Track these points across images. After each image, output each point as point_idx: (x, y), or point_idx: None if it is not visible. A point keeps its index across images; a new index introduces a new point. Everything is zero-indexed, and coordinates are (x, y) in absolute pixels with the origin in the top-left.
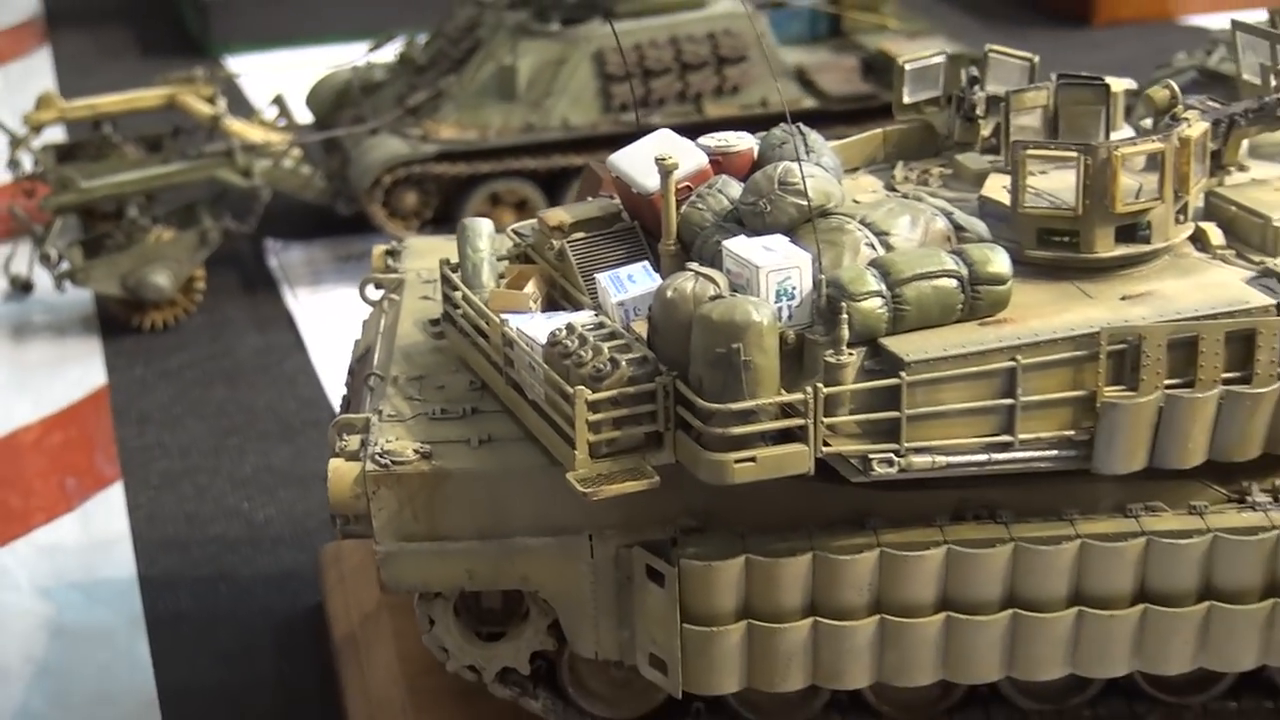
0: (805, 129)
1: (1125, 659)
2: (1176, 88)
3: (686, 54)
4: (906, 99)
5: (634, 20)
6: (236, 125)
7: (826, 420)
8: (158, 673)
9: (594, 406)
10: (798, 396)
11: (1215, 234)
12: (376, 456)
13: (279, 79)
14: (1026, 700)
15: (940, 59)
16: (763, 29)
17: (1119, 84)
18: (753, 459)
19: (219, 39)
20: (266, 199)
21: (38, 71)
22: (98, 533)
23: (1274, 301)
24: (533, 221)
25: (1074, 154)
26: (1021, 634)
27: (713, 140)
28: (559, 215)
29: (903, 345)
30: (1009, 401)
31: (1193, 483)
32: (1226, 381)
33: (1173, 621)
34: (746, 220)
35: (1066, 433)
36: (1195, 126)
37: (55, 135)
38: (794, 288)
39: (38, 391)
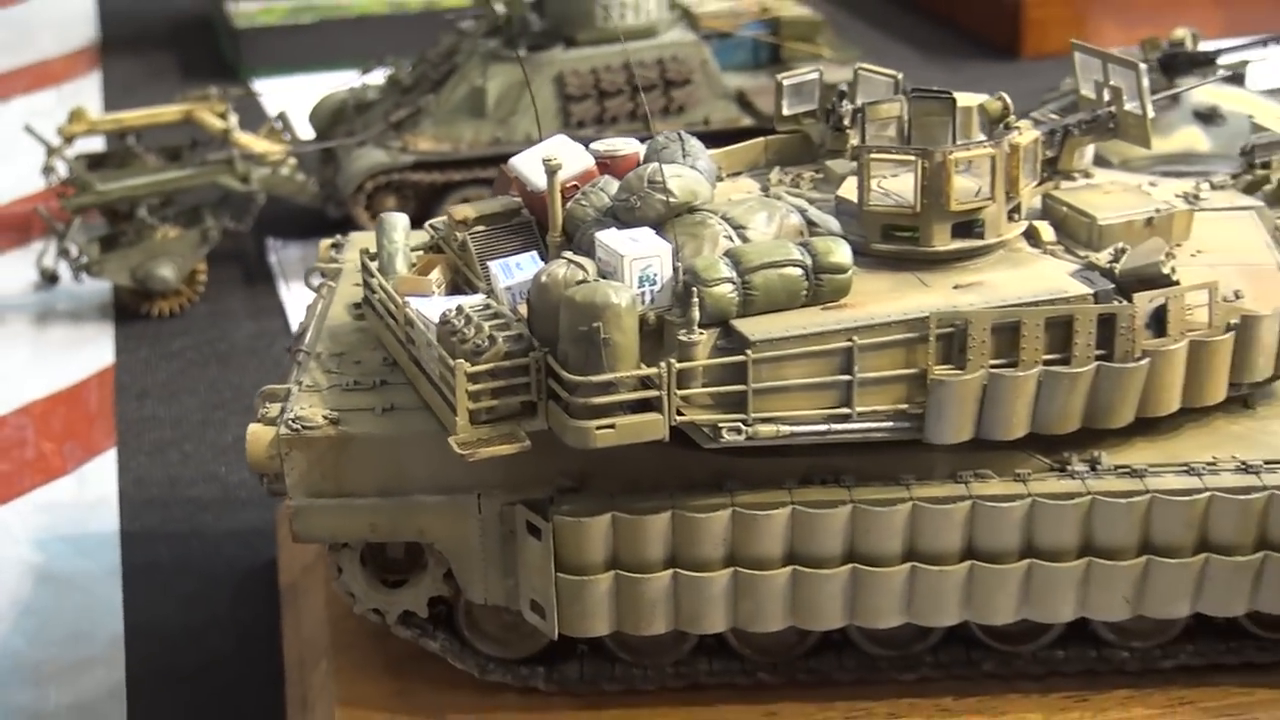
0: (685, 136)
1: (956, 610)
2: (1008, 100)
3: (637, 77)
4: (785, 111)
5: (592, 47)
6: (244, 138)
7: (681, 393)
8: (127, 614)
9: (473, 378)
10: (652, 371)
11: (1047, 231)
12: (289, 422)
13: (297, 98)
14: (873, 646)
15: (814, 75)
16: (706, 56)
17: (971, 99)
18: (612, 426)
19: (249, 64)
20: (262, 202)
21: (87, 91)
22: (90, 493)
23: (1091, 291)
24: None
25: (912, 158)
26: (861, 586)
27: (602, 145)
28: (464, 210)
29: (750, 326)
30: (847, 378)
31: (1019, 453)
32: (1048, 363)
33: (998, 577)
34: (620, 215)
35: (901, 406)
36: (1025, 135)
37: (93, 146)
38: (655, 275)
39: (53, 370)
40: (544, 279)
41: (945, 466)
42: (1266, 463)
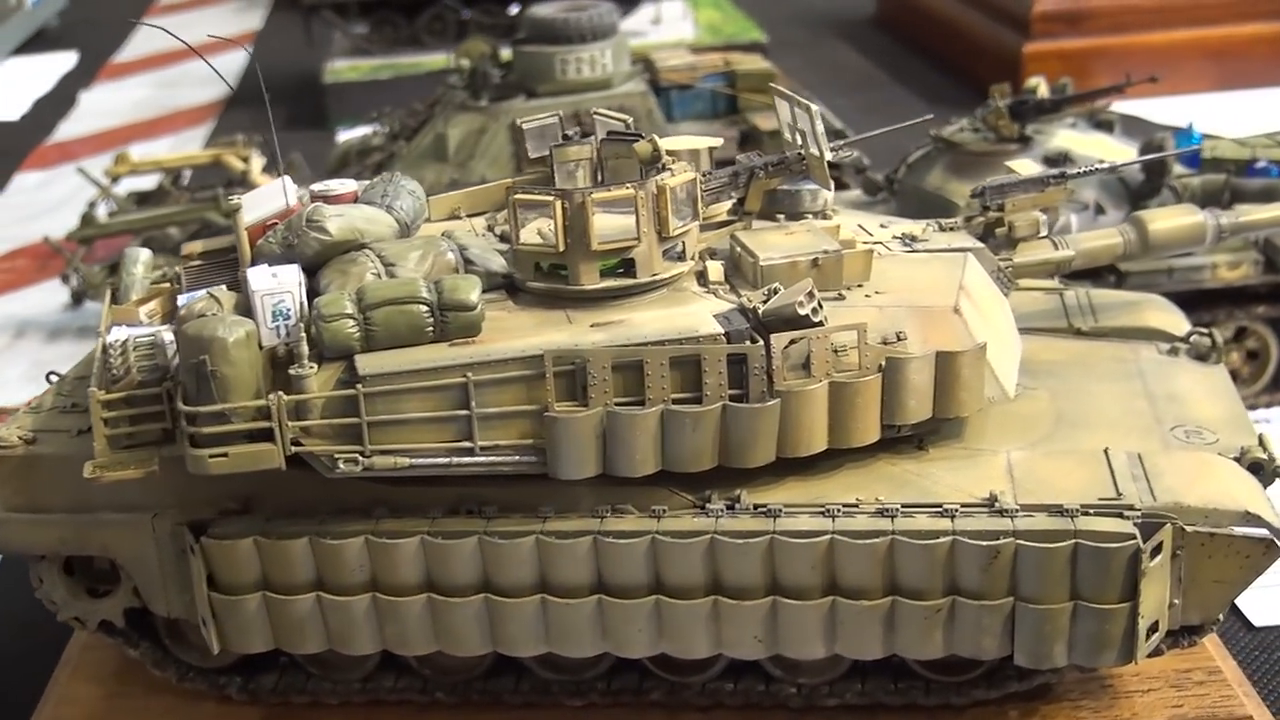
0: (401, 177)
1: (591, 641)
2: (659, 143)
3: (587, 126)
4: (531, 154)
5: (551, 98)
6: (261, 178)
7: (301, 423)
8: None
9: (107, 405)
10: (262, 403)
11: (716, 271)
12: None
13: None
14: (546, 671)
15: (553, 120)
16: (652, 106)
17: (697, 141)
18: (225, 454)
19: (335, 114)
20: None
21: (193, 139)
22: None
23: (722, 331)
24: None
25: (552, 198)
26: (496, 615)
27: (319, 185)
28: (194, 246)
29: (366, 361)
30: (465, 412)
31: (662, 489)
32: (682, 401)
33: (626, 611)
34: (285, 252)
35: (526, 441)
36: (678, 176)
37: (147, 184)
38: (288, 309)
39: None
40: (183, 312)
41: (590, 500)
42: (904, 506)
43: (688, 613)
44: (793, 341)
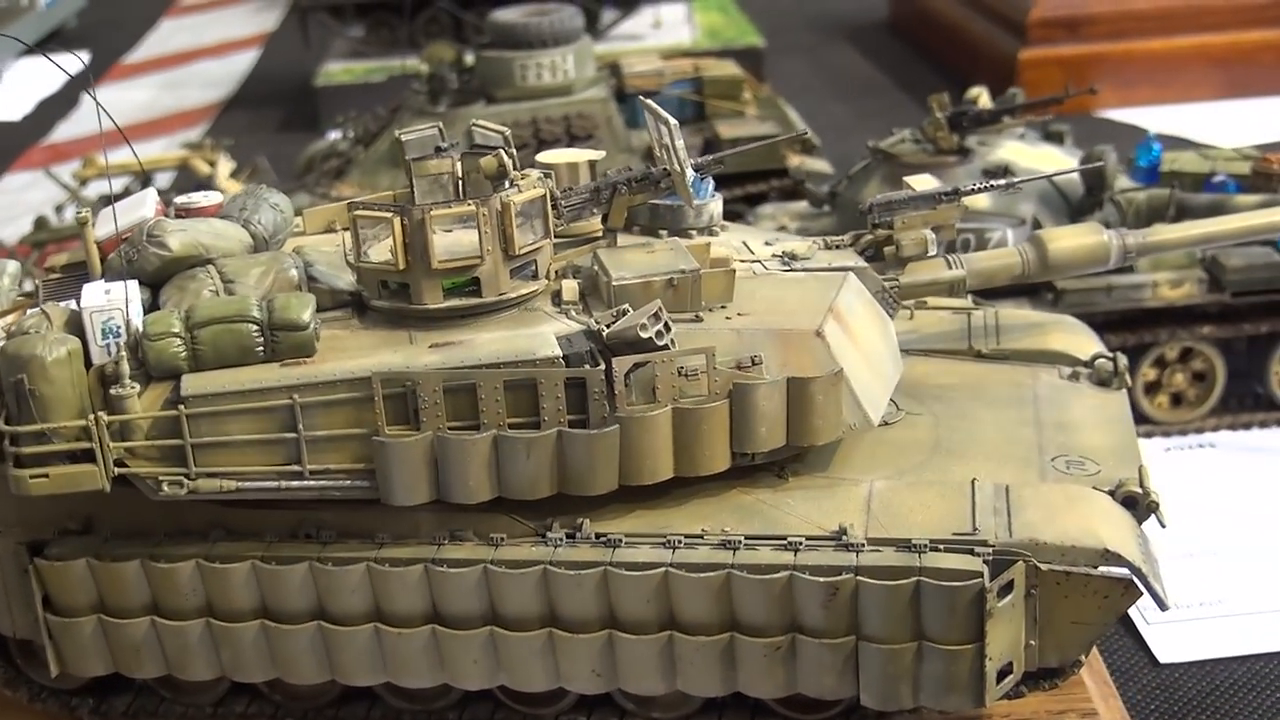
0: (267, 190)
1: (429, 671)
2: (506, 159)
3: (544, 131)
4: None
5: (511, 104)
6: (225, 182)
7: (125, 444)
8: None
9: None
10: (81, 423)
11: (570, 290)
12: None
13: None
14: (398, 700)
15: (432, 131)
16: (612, 112)
17: (577, 155)
18: (46, 475)
19: (326, 117)
20: None
21: (186, 140)
22: None
23: (560, 354)
24: None
25: (390, 214)
26: (330, 642)
27: (183, 198)
28: (58, 258)
29: (190, 381)
30: (293, 435)
31: (504, 516)
32: (520, 425)
33: (461, 642)
34: (129, 266)
35: (356, 465)
36: (524, 193)
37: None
38: (118, 327)
39: None
40: (12, 329)
41: (430, 526)
42: (747, 538)
43: (522, 645)
44: (637, 365)
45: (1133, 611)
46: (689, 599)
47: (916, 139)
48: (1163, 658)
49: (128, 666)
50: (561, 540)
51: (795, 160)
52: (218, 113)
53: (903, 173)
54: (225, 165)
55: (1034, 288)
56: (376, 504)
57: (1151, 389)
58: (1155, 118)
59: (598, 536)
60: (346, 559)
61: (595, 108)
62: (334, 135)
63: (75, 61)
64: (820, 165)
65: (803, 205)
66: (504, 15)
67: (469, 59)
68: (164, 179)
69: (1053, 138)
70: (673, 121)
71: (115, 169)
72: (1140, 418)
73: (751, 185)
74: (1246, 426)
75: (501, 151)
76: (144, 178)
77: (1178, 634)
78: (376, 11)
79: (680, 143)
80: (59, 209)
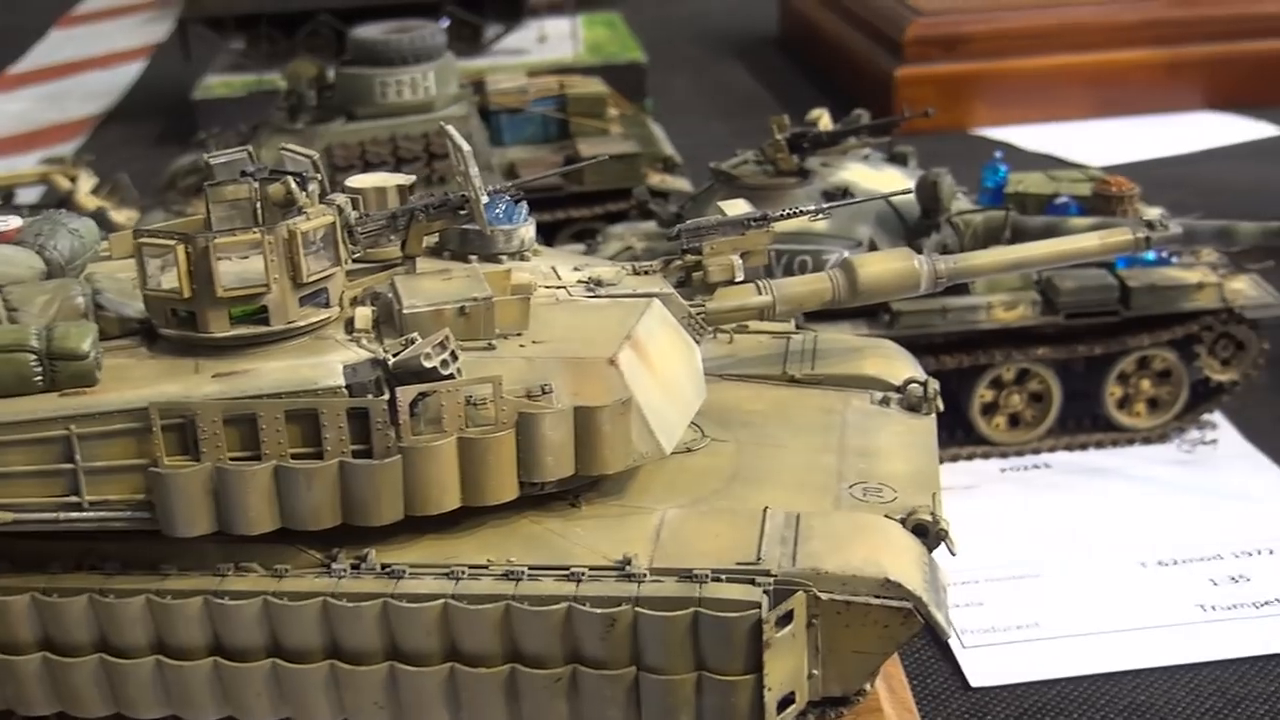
0: (67, 214)
1: (213, 705)
2: (294, 185)
3: (402, 149)
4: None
5: (371, 121)
6: (86, 198)
7: None
8: None
9: None
10: None
11: (363, 318)
12: None
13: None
14: None
15: (242, 154)
16: (471, 130)
17: (382, 179)
18: None
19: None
20: None
21: (61, 153)
22: None
23: (343, 384)
24: None
25: (174, 243)
26: (114, 675)
27: None
28: None
29: None
30: (70, 466)
31: (290, 547)
32: (303, 456)
33: (242, 675)
34: None
35: (138, 496)
36: (313, 220)
37: None
38: None
39: None
40: None
41: (217, 557)
42: (531, 569)
43: (304, 677)
44: (423, 395)
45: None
46: (469, 631)
47: (759, 160)
48: (975, 681)
49: None
50: (346, 571)
51: (656, 178)
52: (95, 126)
53: (743, 194)
54: (86, 181)
55: (871, 310)
56: (162, 535)
57: (989, 410)
58: (1030, 136)
59: (383, 567)
60: (128, 590)
61: (455, 125)
62: (189, 158)
63: None
64: (681, 184)
65: (653, 225)
66: (365, 32)
67: (331, 75)
68: (31, 194)
69: (897, 159)
70: (466, 148)
71: None
72: (978, 439)
73: (612, 204)
74: (1083, 447)
75: (289, 178)
76: (6, 194)
77: (992, 657)
78: (257, 25)
79: (474, 170)
80: None
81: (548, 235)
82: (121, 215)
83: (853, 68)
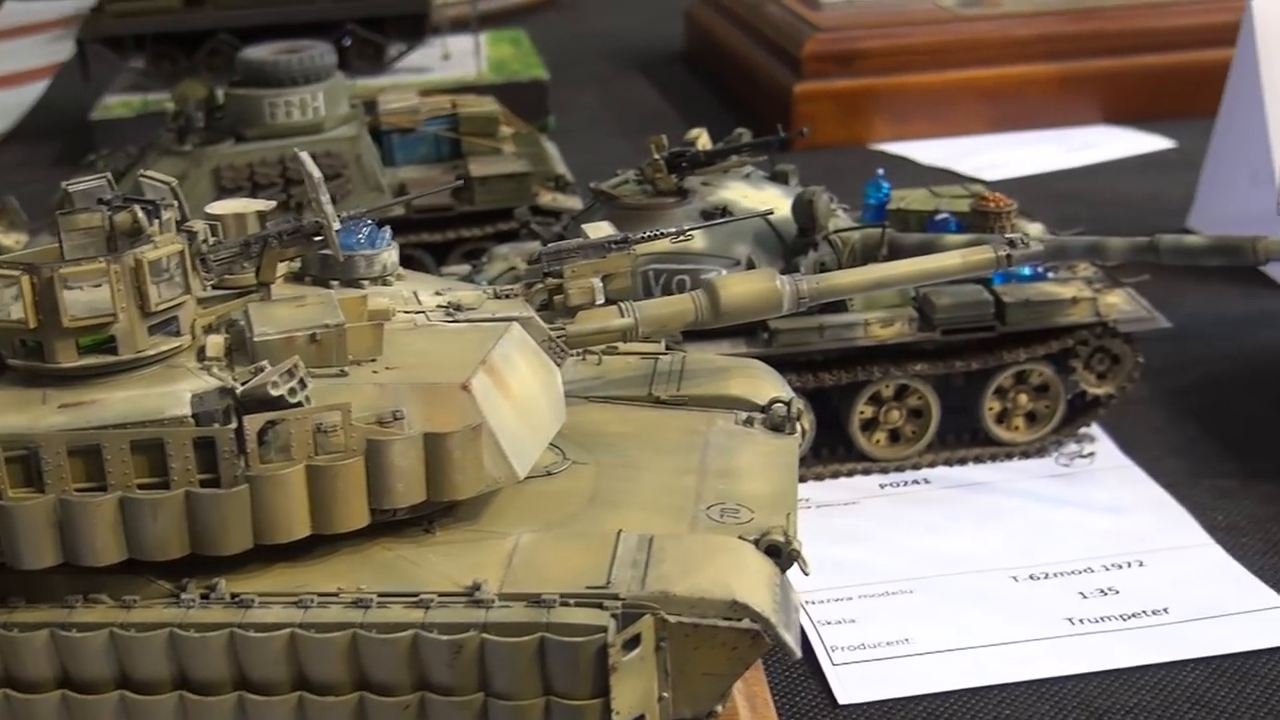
0: None
1: None
2: (140, 214)
3: (291, 171)
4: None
5: (260, 142)
6: None
7: None
8: None
9: None
10: None
11: (215, 346)
12: None
13: None
14: None
15: (101, 181)
16: (361, 151)
17: (249, 204)
18: None
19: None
20: None
21: None
22: None
23: (190, 413)
24: None
25: (18, 273)
26: None
27: None
28: None
29: None
30: None
31: (139, 578)
32: (150, 486)
33: (90, 707)
34: None
35: None
36: (160, 248)
37: None
38: None
39: None
40: None
41: (65, 589)
42: (380, 596)
43: (153, 709)
44: (271, 424)
45: (819, 652)
46: (317, 659)
47: (639, 180)
48: (843, 699)
49: None
50: (195, 601)
51: (548, 197)
52: None
53: (620, 214)
54: None
55: (750, 328)
56: (7, 567)
57: (868, 426)
58: (927, 151)
59: (233, 596)
60: None
61: (344, 146)
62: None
63: None
64: (573, 203)
65: (538, 245)
66: (254, 53)
67: (221, 96)
68: None
69: (778, 178)
70: (317, 175)
71: None
72: (858, 455)
73: (503, 223)
74: (962, 462)
75: (136, 207)
76: None
77: (861, 674)
78: (157, 44)
79: (325, 197)
80: None
81: (439, 255)
82: (10, 239)
83: (754, 83)
